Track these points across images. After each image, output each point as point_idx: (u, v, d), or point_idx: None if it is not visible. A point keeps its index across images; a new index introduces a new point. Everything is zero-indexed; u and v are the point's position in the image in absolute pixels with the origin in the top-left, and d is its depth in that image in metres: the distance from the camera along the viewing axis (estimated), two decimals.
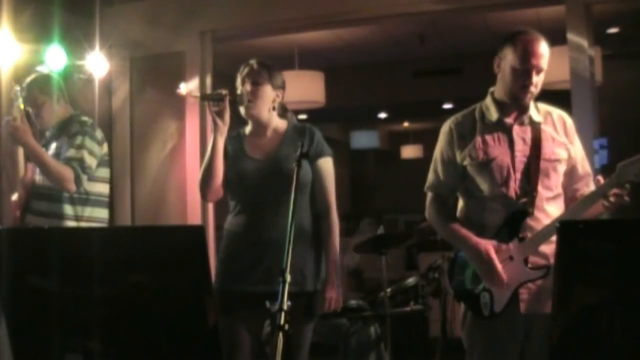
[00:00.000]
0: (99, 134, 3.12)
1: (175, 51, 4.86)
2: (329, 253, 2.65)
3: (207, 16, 4.82)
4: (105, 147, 3.16)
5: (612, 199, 2.23)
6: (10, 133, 2.92)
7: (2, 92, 3.43)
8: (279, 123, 2.75)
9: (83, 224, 3.07)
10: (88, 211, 3.09)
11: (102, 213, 3.16)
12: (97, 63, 4.27)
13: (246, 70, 2.69)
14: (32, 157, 2.95)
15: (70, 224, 3.04)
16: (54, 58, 3.39)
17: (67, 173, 2.95)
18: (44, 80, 3.14)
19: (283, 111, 2.81)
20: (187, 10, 4.85)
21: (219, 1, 4.82)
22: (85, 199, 3.08)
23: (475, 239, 2.39)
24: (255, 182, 2.65)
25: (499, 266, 2.33)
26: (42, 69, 3.09)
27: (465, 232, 2.42)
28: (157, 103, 4.93)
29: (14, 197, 3.17)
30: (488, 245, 2.35)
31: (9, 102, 2.98)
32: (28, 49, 3.54)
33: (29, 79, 3.12)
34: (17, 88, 3.00)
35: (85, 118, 3.16)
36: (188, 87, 4.77)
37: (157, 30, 4.88)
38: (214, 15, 4.82)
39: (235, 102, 2.67)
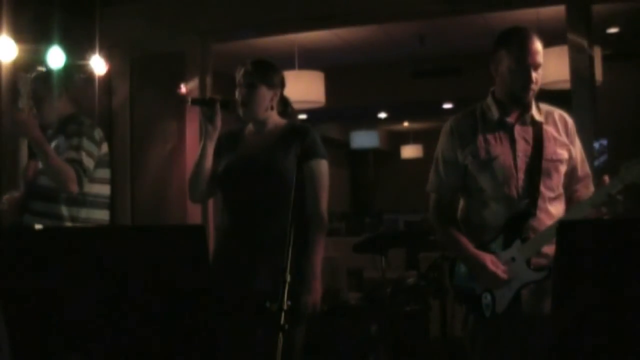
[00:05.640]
0: (97, 134, 3.07)
1: (175, 51, 4.87)
2: (312, 257, 2.61)
3: (207, 16, 4.82)
4: (104, 147, 3.11)
5: (604, 209, 2.24)
6: (17, 125, 2.84)
7: (2, 91, 3.43)
8: (277, 121, 2.75)
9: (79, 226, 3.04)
10: (84, 212, 3.03)
11: (100, 214, 3.11)
12: (97, 63, 4.28)
13: (241, 72, 2.70)
14: (37, 151, 2.87)
15: (67, 225, 3.02)
16: (54, 58, 3.39)
17: (71, 173, 2.88)
18: (45, 76, 3.12)
19: (284, 107, 2.81)
20: (187, 10, 4.86)
21: (219, 1, 4.83)
22: (82, 201, 3.02)
23: (473, 249, 2.38)
24: (240, 178, 2.65)
25: (498, 273, 2.33)
26: (38, 73, 3.07)
27: (464, 241, 2.42)
28: (157, 103, 4.94)
29: (16, 194, 3.15)
30: (486, 257, 2.35)
31: (15, 94, 2.90)
32: (28, 49, 3.55)
33: (31, 75, 3.09)
34: (29, 75, 2.93)
35: (84, 118, 3.12)
36: (188, 87, 4.78)
37: (157, 30, 4.89)
38: (214, 15, 4.82)
39: (227, 107, 2.68)
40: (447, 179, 2.51)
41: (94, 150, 3.00)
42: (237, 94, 2.71)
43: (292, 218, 2.01)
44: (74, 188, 2.90)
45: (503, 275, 2.32)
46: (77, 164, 2.91)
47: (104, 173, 3.12)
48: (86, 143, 2.97)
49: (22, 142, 3.00)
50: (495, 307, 2.36)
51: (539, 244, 2.33)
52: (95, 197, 3.08)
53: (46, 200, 3.00)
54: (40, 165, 3.02)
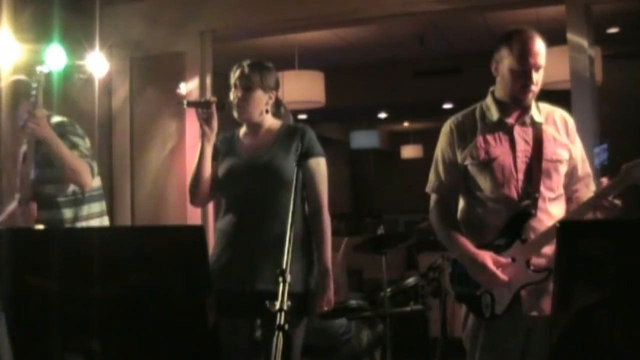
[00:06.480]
0: (79, 129, 3.09)
1: (175, 51, 4.87)
2: (321, 255, 2.64)
3: (207, 16, 4.82)
4: (88, 141, 3.12)
5: (598, 213, 2.24)
6: (38, 123, 2.80)
7: (1, 91, 3.42)
8: (272, 123, 2.76)
9: (83, 224, 3.07)
10: (85, 209, 3.08)
11: (98, 207, 3.16)
12: (97, 63, 4.27)
13: (237, 73, 2.69)
14: (52, 150, 2.87)
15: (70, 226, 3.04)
16: (54, 58, 3.38)
17: (85, 166, 2.93)
18: (17, 85, 3.10)
19: (277, 109, 2.81)
20: (187, 10, 4.85)
21: (219, 1, 4.82)
22: (81, 199, 3.07)
23: (472, 249, 2.38)
24: (243, 179, 2.66)
25: (498, 274, 2.32)
26: (43, 69, 3.05)
27: (464, 241, 2.42)
28: (157, 103, 4.94)
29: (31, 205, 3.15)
30: (486, 257, 2.35)
31: (26, 93, 2.86)
32: (28, 49, 3.54)
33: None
34: (45, 71, 2.91)
35: (60, 118, 3.10)
36: (188, 87, 4.78)
37: (157, 30, 4.88)
38: (214, 15, 4.82)
39: (223, 109, 2.68)
40: (446, 180, 2.50)
41: (83, 144, 3.04)
42: (232, 95, 2.71)
43: (292, 218, 2.01)
44: (89, 181, 2.96)
45: (503, 277, 2.32)
46: (85, 159, 2.96)
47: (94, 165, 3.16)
48: (77, 140, 3.01)
49: (31, 144, 2.95)
50: (495, 307, 2.36)
51: (539, 245, 2.33)
52: (91, 192, 3.11)
53: (48, 208, 3.02)
54: (34, 172, 3.01)
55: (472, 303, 2.43)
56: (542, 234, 2.32)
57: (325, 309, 2.63)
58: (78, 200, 3.06)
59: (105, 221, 3.21)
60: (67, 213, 3.04)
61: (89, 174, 2.95)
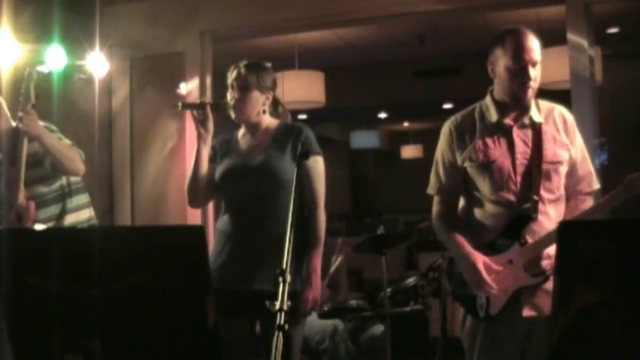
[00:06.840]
0: (55, 127, 3.14)
1: (175, 51, 4.87)
2: (312, 254, 2.65)
3: (207, 16, 4.82)
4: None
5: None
6: (30, 122, 2.84)
7: (1, 92, 3.42)
8: (270, 123, 2.76)
9: (73, 215, 3.09)
10: (74, 201, 3.14)
11: (84, 198, 3.22)
12: (97, 63, 4.27)
13: (234, 74, 2.69)
14: (47, 144, 2.91)
15: (65, 220, 3.07)
16: (54, 58, 3.38)
17: (77, 155, 3.03)
18: None
19: (275, 109, 2.81)
20: (187, 10, 4.85)
21: (219, 1, 4.82)
22: (69, 192, 3.13)
23: (468, 249, 2.38)
24: (240, 180, 2.66)
25: (486, 279, 2.31)
26: (34, 68, 3.06)
27: (461, 240, 2.40)
28: (157, 103, 4.94)
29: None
30: (478, 259, 2.34)
31: (26, 92, 2.88)
32: (28, 49, 3.54)
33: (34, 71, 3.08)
34: (39, 70, 2.94)
35: None
36: (188, 87, 4.78)
37: (157, 30, 4.89)
38: (214, 15, 4.82)
39: (218, 110, 2.68)
40: (447, 182, 2.50)
41: (64, 138, 3.09)
42: (229, 96, 2.71)
43: (292, 218, 2.00)
44: (84, 168, 3.06)
45: (491, 284, 2.30)
46: (73, 147, 3.04)
47: None
48: (59, 134, 3.07)
49: (24, 144, 2.97)
50: (490, 308, 2.34)
51: (537, 248, 2.31)
52: (76, 184, 3.18)
53: (40, 207, 3.03)
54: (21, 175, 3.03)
55: (467, 302, 2.43)
56: (542, 238, 2.31)
57: (310, 307, 2.63)
58: (66, 194, 3.12)
59: (92, 211, 3.26)
60: (58, 208, 3.08)
61: (81, 161, 3.05)
